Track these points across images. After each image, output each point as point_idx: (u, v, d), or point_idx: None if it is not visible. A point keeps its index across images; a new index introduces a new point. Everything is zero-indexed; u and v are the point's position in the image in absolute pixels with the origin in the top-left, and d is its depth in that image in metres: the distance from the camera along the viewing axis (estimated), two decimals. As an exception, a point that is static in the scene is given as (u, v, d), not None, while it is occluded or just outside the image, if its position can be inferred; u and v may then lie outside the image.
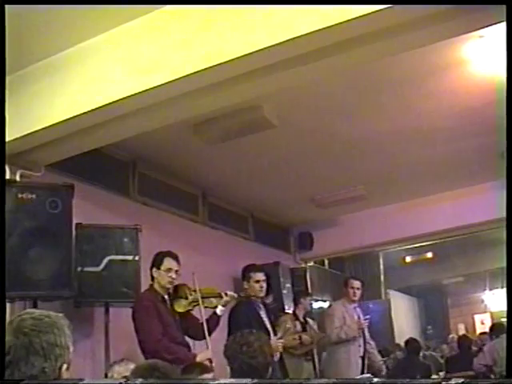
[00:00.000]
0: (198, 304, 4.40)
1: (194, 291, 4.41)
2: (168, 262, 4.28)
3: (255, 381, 2.17)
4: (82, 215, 4.53)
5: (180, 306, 4.38)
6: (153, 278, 4.32)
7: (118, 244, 4.75)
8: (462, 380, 1.82)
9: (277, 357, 4.75)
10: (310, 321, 6.36)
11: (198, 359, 4.06)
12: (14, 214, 3.96)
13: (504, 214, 2.85)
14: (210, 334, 4.31)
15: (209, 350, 4.19)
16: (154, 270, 4.29)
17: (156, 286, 4.30)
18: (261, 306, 5.09)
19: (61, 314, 1.84)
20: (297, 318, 6.14)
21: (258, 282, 5.04)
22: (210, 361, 4.05)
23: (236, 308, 4.90)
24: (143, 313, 4.13)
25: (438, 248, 11.56)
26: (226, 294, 4.57)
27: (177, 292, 4.40)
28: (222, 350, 3.07)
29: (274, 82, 3.58)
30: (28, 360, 1.67)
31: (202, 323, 4.34)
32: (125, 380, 2.22)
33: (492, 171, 6.38)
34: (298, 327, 6.06)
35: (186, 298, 4.41)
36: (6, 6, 3.20)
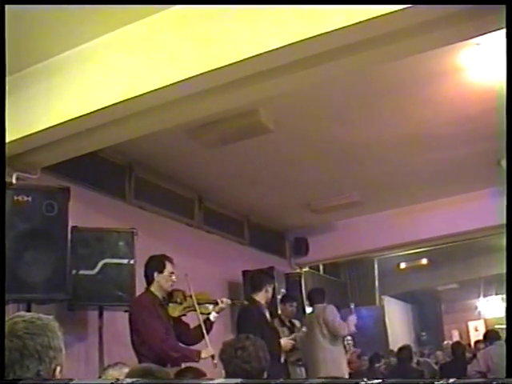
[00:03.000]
0: (192, 309, 4.40)
1: (190, 296, 4.41)
2: (170, 266, 4.30)
3: (249, 381, 2.16)
4: (77, 218, 4.52)
5: (174, 311, 4.37)
6: (150, 282, 4.31)
7: (113, 247, 4.74)
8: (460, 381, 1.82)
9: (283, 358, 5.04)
10: (296, 322, 6.33)
11: (203, 355, 4.13)
12: (10, 216, 3.94)
13: (499, 221, 2.87)
14: (207, 333, 4.32)
15: (209, 347, 4.21)
16: (156, 273, 4.28)
17: (154, 289, 4.29)
18: (265, 309, 5.24)
19: (51, 316, 1.83)
20: (283, 324, 6.13)
21: (268, 292, 5.26)
22: (213, 357, 4.06)
23: (245, 311, 4.99)
24: (145, 313, 4.13)
25: (432, 254, 11.55)
26: (222, 302, 4.57)
27: (172, 296, 4.40)
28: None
29: (271, 87, 3.59)
30: (23, 363, 1.66)
31: (195, 327, 4.37)
32: (115, 380, 2.21)
33: (488, 178, 6.41)
34: (286, 332, 6.04)
35: (181, 303, 4.40)
36: (6, 7, 3.20)
